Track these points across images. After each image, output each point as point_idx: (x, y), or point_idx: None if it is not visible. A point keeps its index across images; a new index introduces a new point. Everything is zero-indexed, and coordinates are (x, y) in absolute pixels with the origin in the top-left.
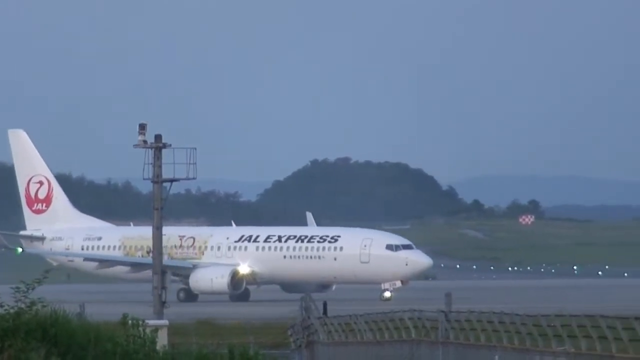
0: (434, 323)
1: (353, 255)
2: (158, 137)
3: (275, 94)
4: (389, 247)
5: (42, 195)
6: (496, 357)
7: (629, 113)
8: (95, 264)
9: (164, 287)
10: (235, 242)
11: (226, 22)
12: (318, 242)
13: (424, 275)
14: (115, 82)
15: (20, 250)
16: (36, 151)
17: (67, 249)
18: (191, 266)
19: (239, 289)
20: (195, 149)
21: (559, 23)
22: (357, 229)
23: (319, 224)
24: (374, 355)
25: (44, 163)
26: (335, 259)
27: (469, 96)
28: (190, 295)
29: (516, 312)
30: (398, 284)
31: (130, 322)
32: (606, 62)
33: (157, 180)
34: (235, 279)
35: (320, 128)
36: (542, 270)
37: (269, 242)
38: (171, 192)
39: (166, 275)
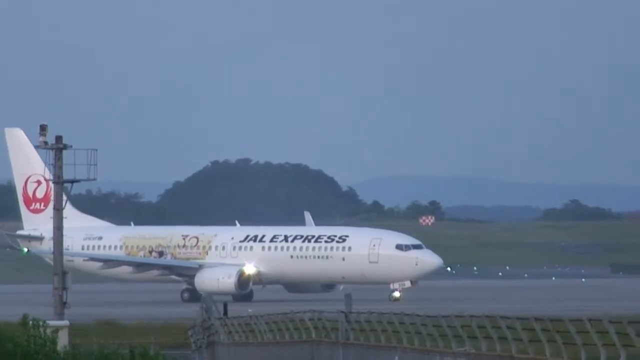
0: (334, 324)
1: (362, 255)
2: (59, 139)
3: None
4: (399, 247)
5: (40, 194)
6: (396, 357)
7: (528, 115)
8: (98, 264)
9: (65, 288)
10: (241, 241)
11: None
12: (326, 242)
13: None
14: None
15: (26, 250)
16: (34, 150)
17: (67, 248)
18: (197, 266)
19: (246, 289)
20: (96, 150)
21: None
22: (366, 229)
23: (214, 224)
24: (274, 355)
25: (42, 162)
26: (343, 259)
27: (371, 99)
28: (194, 296)
29: (416, 312)
30: (407, 284)
31: (30, 322)
32: (508, 63)
33: (58, 181)
34: (242, 279)
35: (221, 129)
36: (442, 271)
37: (275, 241)
38: (72, 192)
39: (67, 275)
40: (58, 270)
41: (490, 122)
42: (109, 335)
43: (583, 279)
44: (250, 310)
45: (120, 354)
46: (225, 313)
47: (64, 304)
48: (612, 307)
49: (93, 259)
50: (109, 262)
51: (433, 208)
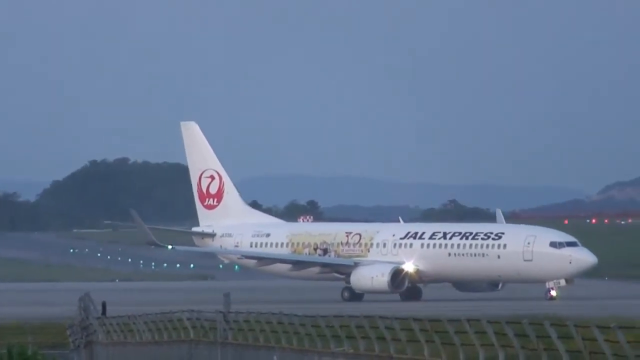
0: (213, 323)
1: (516, 253)
2: None
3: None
4: (553, 244)
5: (213, 190)
6: (275, 357)
7: (406, 115)
8: (255, 261)
9: None
10: (401, 239)
11: None
12: (482, 239)
13: (201, 276)
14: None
15: (170, 247)
16: (207, 144)
17: (237, 245)
18: (352, 264)
19: (401, 287)
20: None
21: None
22: (522, 226)
23: (96, 225)
24: (152, 355)
25: (215, 156)
26: (498, 257)
27: (252, 98)
28: (354, 295)
29: (295, 312)
30: (562, 282)
31: None
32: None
33: None
34: (397, 278)
35: (99, 129)
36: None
37: (434, 239)
38: None
39: None
40: None
41: (370, 121)
42: None
43: None
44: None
45: None
46: (104, 312)
47: None
48: (490, 307)
49: (247, 257)
50: (262, 259)
51: (311, 208)
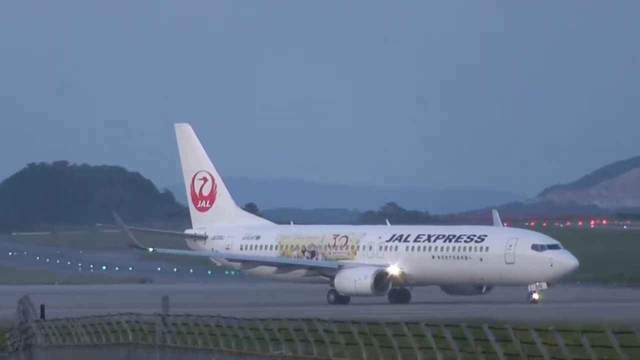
0: (151, 326)
1: (498, 256)
2: None
3: None
4: (535, 247)
5: (206, 192)
6: None
7: (344, 116)
8: (241, 264)
9: None
10: (387, 241)
11: None
12: (465, 241)
13: (140, 279)
14: None
15: (151, 249)
16: (200, 146)
17: (227, 248)
18: (336, 267)
19: (384, 290)
20: None
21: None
22: (505, 228)
23: (36, 229)
24: (91, 358)
25: (208, 158)
26: (481, 260)
27: (184, 98)
28: (340, 298)
29: (233, 315)
30: (544, 285)
31: None
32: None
33: None
34: (381, 280)
35: (38, 131)
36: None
37: (419, 241)
38: None
39: None
40: None
41: (304, 123)
42: None
43: None
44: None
45: None
46: (43, 315)
47: None
48: (428, 310)
49: (231, 260)
50: (246, 262)
51: (250, 210)
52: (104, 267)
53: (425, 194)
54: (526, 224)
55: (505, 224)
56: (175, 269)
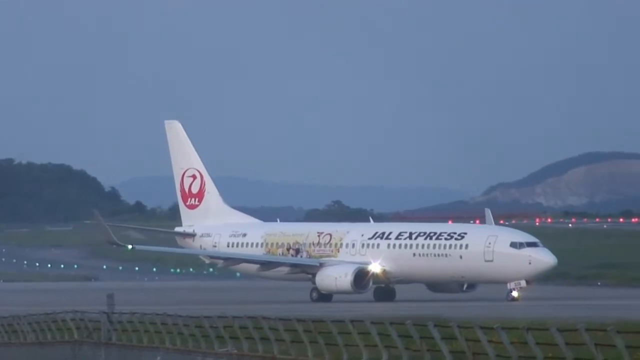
0: (97, 324)
1: (477, 253)
2: None
3: None
4: (513, 244)
5: (195, 189)
6: (158, 358)
7: (286, 118)
8: (224, 261)
9: None
10: (369, 239)
11: None
12: (445, 239)
13: (84, 277)
14: None
15: (130, 247)
16: (190, 143)
17: (215, 245)
18: (317, 264)
19: (365, 288)
20: None
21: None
22: (485, 226)
23: None
24: (36, 356)
25: (197, 156)
26: (461, 257)
27: (129, 96)
28: (322, 295)
29: (179, 313)
30: (523, 283)
31: None
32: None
33: None
34: (361, 278)
35: None
36: (205, 272)
37: (400, 239)
38: None
39: None
40: None
41: (243, 122)
42: None
43: None
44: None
45: None
46: None
47: None
48: (373, 308)
49: (212, 257)
50: (228, 260)
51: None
52: (49, 265)
53: (371, 192)
54: (471, 221)
55: (450, 222)
56: (120, 267)
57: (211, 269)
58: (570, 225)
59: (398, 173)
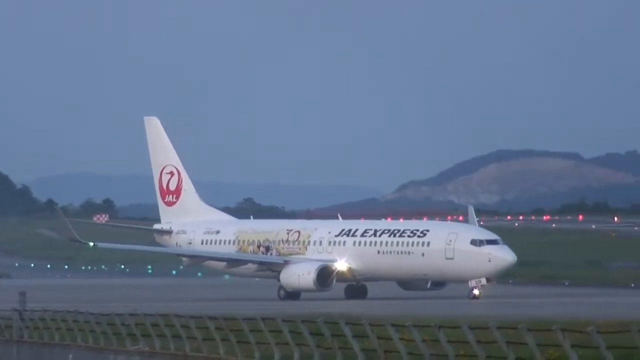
0: (8, 322)
1: (439, 251)
2: None
3: None
4: (474, 242)
5: (172, 186)
6: (70, 356)
7: (201, 116)
8: (194, 259)
9: None
10: (336, 236)
11: None
12: (408, 236)
13: (1, 274)
14: None
15: (92, 244)
16: (168, 140)
17: (190, 243)
18: (282, 262)
19: (328, 286)
20: None
21: None
22: (447, 223)
23: None
24: None
25: (175, 152)
26: (423, 255)
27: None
28: (289, 293)
29: (91, 311)
30: (483, 281)
31: None
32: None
33: None
34: (325, 276)
35: None
36: (117, 270)
37: (365, 236)
38: None
39: None
40: None
41: (170, 121)
42: None
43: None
44: None
45: None
46: None
47: None
48: (287, 306)
49: (179, 254)
50: (194, 257)
51: (107, 206)
52: None
53: (282, 190)
54: (382, 219)
55: (362, 219)
56: (32, 265)
57: (181, 267)
58: (481, 223)
59: (311, 171)
